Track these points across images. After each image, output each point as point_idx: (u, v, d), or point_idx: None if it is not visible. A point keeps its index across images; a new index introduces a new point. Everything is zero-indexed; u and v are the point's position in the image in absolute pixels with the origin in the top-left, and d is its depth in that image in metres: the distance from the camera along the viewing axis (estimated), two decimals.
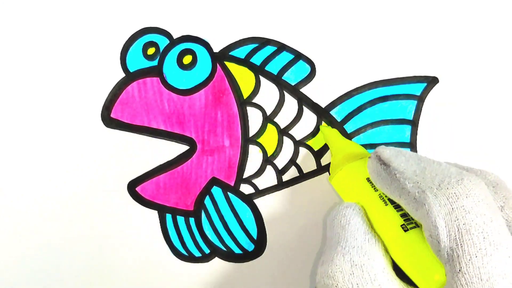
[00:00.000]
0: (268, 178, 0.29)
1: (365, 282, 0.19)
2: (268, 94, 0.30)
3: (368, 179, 0.23)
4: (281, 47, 0.30)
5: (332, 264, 0.20)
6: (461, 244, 0.17)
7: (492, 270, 0.17)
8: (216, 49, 0.30)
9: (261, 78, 0.30)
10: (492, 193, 0.20)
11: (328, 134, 0.28)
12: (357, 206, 0.22)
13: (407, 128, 0.29)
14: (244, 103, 0.30)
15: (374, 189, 0.22)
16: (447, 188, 0.18)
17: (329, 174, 0.26)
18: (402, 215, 0.21)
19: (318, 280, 0.21)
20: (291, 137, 0.29)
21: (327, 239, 0.22)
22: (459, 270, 0.17)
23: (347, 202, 0.23)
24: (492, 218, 0.18)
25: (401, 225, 0.20)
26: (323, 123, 0.29)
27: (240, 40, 0.30)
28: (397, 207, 0.21)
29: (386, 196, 0.22)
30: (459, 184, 0.18)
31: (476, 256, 0.17)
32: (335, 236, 0.21)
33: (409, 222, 0.20)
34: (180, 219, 0.30)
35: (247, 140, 0.30)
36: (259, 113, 0.30)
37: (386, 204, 0.21)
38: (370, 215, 0.22)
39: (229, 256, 0.29)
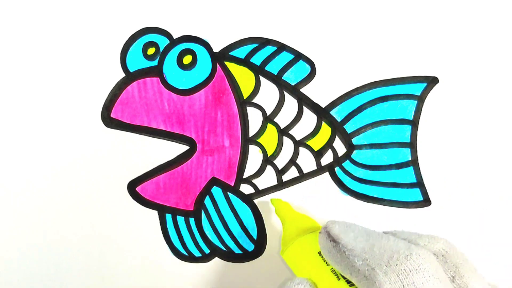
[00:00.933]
0: (268, 178, 0.29)
1: None
2: (268, 94, 0.30)
3: (319, 253, 0.23)
4: (281, 47, 0.30)
5: None
6: None
7: None
8: (216, 49, 0.30)
9: (261, 78, 0.30)
10: (442, 263, 0.20)
11: (279, 207, 0.28)
12: (308, 282, 0.22)
13: (407, 128, 0.29)
14: (244, 103, 0.30)
15: (326, 263, 0.22)
16: (396, 265, 0.18)
17: (281, 247, 0.26)
18: None
19: None
20: (291, 137, 0.29)
21: None
22: None
23: (298, 278, 0.22)
24: None
25: None
26: (271, 199, 0.29)
27: (240, 40, 0.30)
28: (349, 281, 0.21)
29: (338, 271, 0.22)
30: (408, 260, 0.18)
31: None
32: None
33: None
34: (180, 219, 0.30)
35: (247, 140, 0.30)
36: (259, 113, 0.30)
37: (339, 279, 0.21)
38: None
39: (229, 256, 0.29)
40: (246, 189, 0.29)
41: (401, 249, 0.19)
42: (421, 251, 0.19)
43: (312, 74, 0.30)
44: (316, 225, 0.26)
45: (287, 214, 0.27)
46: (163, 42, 0.31)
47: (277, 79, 0.30)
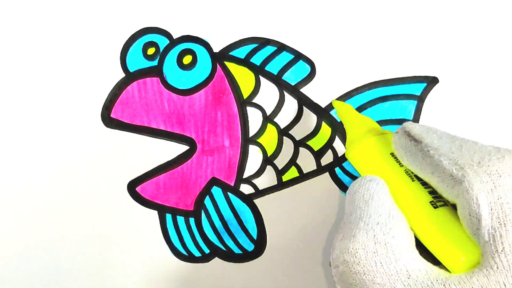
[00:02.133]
0: (268, 178, 0.29)
1: (389, 261, 0.18)
2: (268, 94, 0.30)
3: (392, 154, 0.22)
4: (281, 47, 0.30)
5: (355, 240, 0.19)
6: (504, 223, 0.17)
7: None
8: (216, 49, 0.30)
9: (261, 78, 0.30)
10: None
11: (342, 109, 0.26)
12: (381, 180, 0.21)
13: None
14: (244, 103, 0.30)
15: (400, 164, 0.21)
16: (488, 166, 0.17)
17: (345, 148, 0.25)
18: (430, 192, 0.20)
19: (337, 255, 0.19)
20: (291, 137, 0.29)
21: (346, 214, 0.21)
22: (502, 250, 0.16)
23: (370, 176, 0.21)
24: None
25: (430, 202, 0.19)
26: (332, 100, 0.28)
27: (240, 40, 0.30)
28: (424, 184, 0.20)
29: (412, 172, 0.21)
30: (500, 162, 0.17)
31: None
32: (357, 210, 0.20)
33: (438, 200, 0.19)
34: (180, 219, 0.30)
35: (247, 140, 0.30)
36: (259, 113, 0.30)
37: (413, 180, 0.20)
38: (395, 190, 0.21)
39: (229, 256, 0.29)
40: (246, 189, 0.29)
41: (492, 152, 0.18)
42: None
43: (312, 74, 0.30)
44: (382, 130, 0.24)
45: (351, 116, 0.26)
46: (163, 42, 0.31)
47: (277, 79, 0.30)
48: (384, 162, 0.22)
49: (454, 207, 0.19)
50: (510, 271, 0.16)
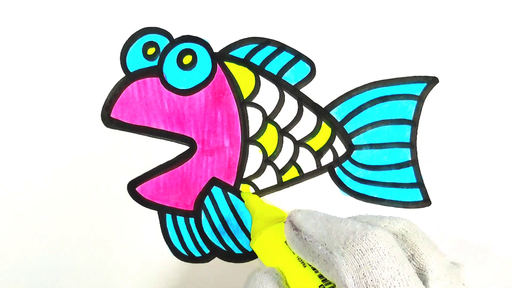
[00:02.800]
0: (268, 178, 0.29)
1: None
2: (268, 94, 0.30)
3: (286, 242, 0.23)
4: (281, 47, 0.30)
5: None
6: None
7: None
8: (216, 49, 0.30)
9: (261, 78, 0.30)
10: (402, 242, 0.20)
11: (249, 200, 0.28)
12: (275, 271, 0.22)
13: (407, 128, 0.29)
14: (244, 103, 0.30)
15: (292, 252, 0.22)
16: (353, 246, 0.18)
17: (251, 239, 0.27)
18: (320, 276, 0.21)
19: None
20: (291, 137, 0.29)
21: None
22: None
23: (265, 268, 0.23)
24: (399, 270, 0.18)
25: (319, 286, 0.20)
26: (242, 189, 0.29)
27: (240, 40, 0.30)
28: (314, 268, 0.21)
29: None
30: (363, 240, 0.18)
31: None
32: None
33: (327, 283, 0.20)
34: (180, 219, 0.30)
35: (247, 140, 0.30)
36: (259, 113, 0.30)
37: (305, 266, 0.22)
38: (290, 277, 0.22)
39: (229, 256, 0.29)
40: (246, 189, 0.29)
41: (357, 230, 0.19)
42: (377, 231, 0.19)
43: (312, 74, 0.30)
44: (284, 215, 0.26)
45: (256, 206, 0.27)
46: (163, 42, 0.31)
47: (277, 79, 0.30)
48: (280, 250, 0.23)
49: None
50: None
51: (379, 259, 0.18)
